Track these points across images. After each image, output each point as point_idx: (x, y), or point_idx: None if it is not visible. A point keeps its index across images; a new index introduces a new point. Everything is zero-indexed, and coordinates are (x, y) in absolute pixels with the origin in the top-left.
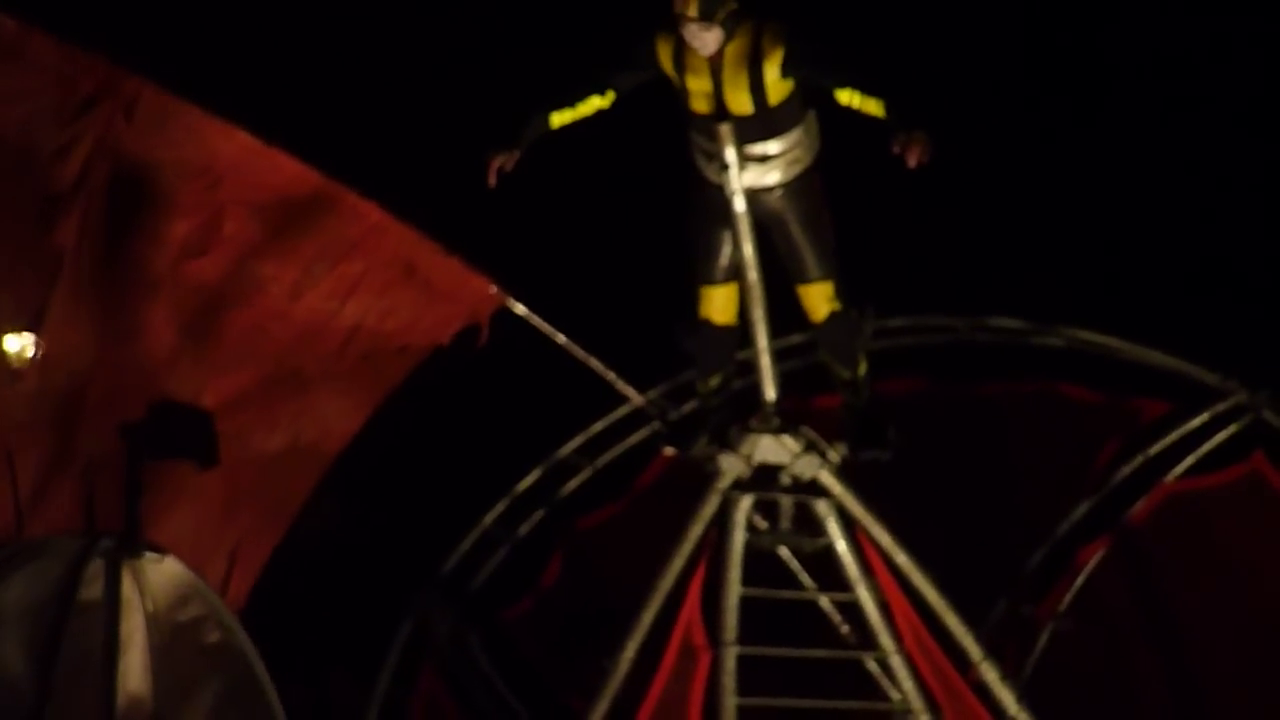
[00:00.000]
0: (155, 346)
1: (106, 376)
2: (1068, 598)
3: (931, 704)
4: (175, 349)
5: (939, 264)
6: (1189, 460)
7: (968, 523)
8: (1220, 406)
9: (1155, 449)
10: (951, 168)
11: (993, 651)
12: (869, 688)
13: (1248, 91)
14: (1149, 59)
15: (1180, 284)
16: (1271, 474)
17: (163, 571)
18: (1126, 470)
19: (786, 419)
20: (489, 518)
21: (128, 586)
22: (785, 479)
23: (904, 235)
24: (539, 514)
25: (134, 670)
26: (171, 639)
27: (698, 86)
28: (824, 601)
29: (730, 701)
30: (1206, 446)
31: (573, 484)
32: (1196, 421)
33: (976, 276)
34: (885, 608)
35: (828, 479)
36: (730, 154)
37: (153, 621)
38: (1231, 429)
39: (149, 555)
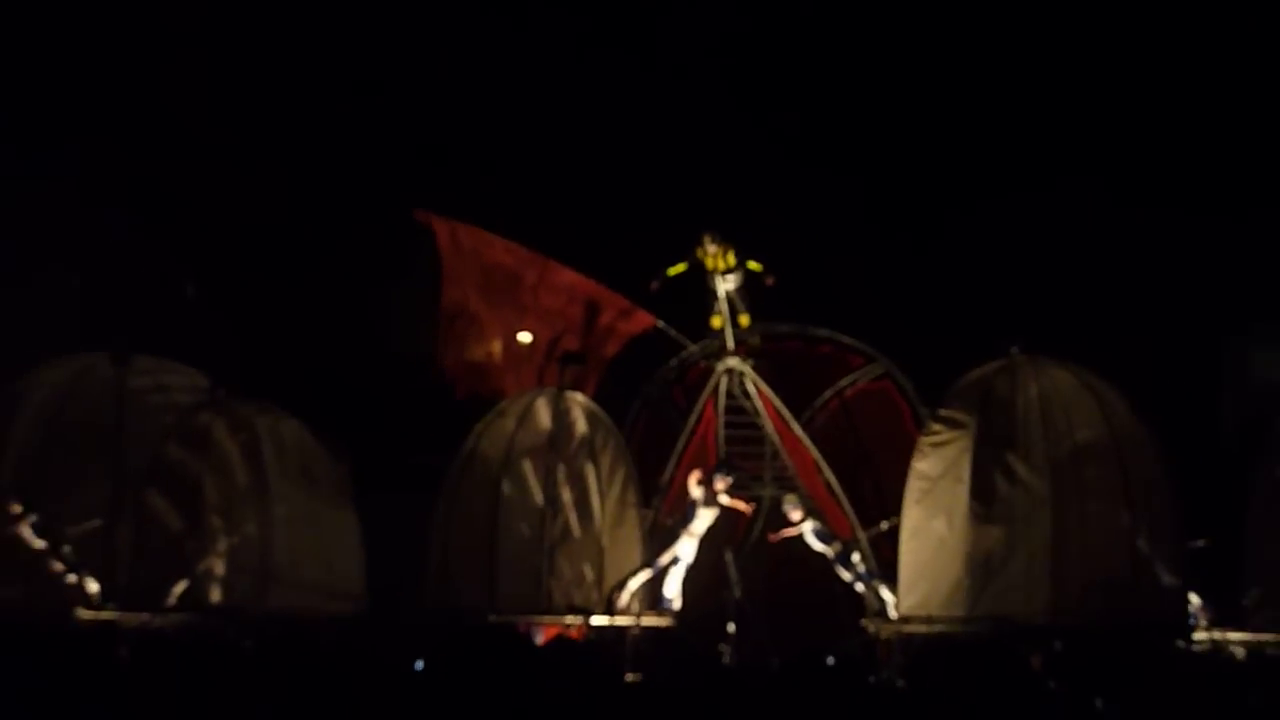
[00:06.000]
0: (530, 337)
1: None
2: (820, 419)
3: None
4: (534, 341)
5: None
6: (861, 381)
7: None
8: (877, 365)
9: (853, 376)
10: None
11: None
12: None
13: None
14: None
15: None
16: (894, 392)
17: (579, 398)
18: (843, 382)
19: (736, 352)
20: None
21: (577, 405)
22: (736, 369)
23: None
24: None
25: (580, 422)
26: (592, 416)
27: (711, 264)
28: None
29: (723, 450)
30: (869, 374)
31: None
32: (868, 368)
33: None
34: (771, 423)
35: (749, 370)
36: (719, 281)
37: (582, 409)
38: (879, 372)
39: (571, 393)
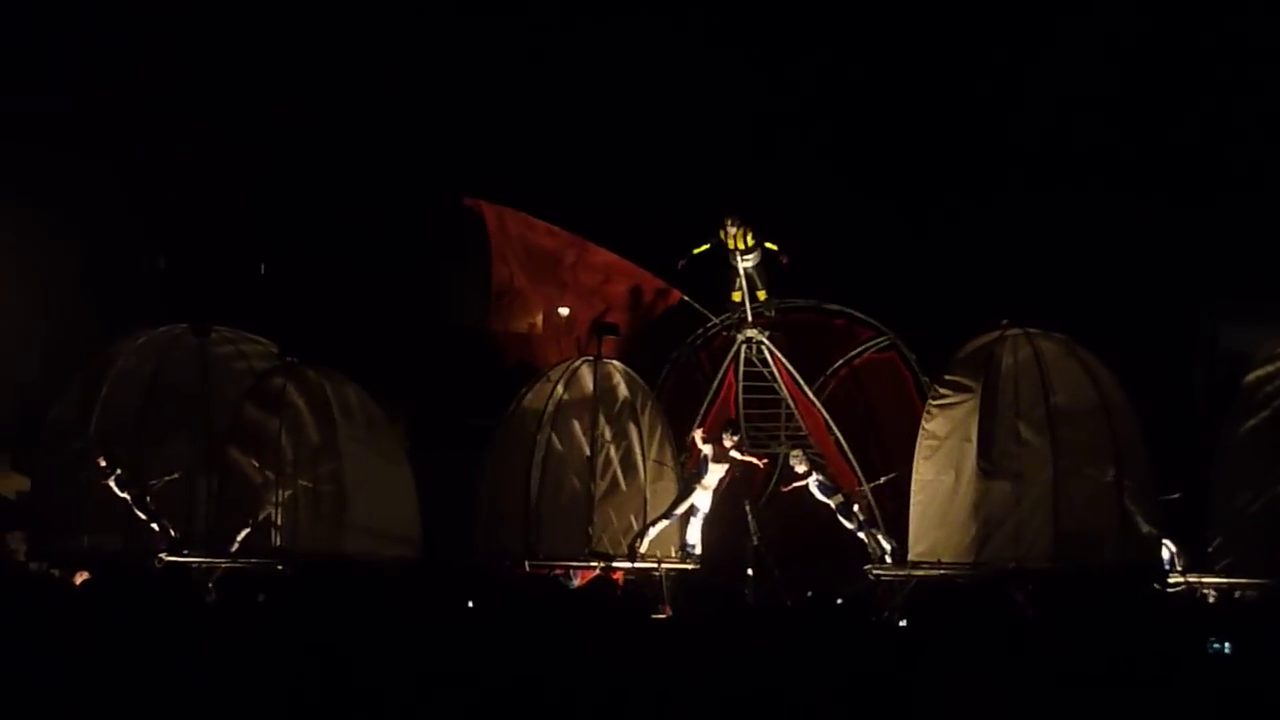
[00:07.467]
0: (569, 311)
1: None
2: (832, 384)
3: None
4: (573, 314)
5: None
6: (870, 351)
7: (811, 365)
8: (884, 337)
9: (863, 347)
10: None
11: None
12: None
13: None
14: None
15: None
16: (899, 361)
17: (617, 365)
18: (853, 352)
19: (755, 324)
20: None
21: (617, 370)
22: (755, 339)
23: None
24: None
25: (622, 386)
26: (631, 380)
27: (732, 244)
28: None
29: (741, 412)
30: (877, 345)
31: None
32: (877, 340)
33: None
34: (786, 387)
35: (766, 340)
36: (739, 260)
37: (622, 375)
38: (886, 343)
39: (610, 361)
